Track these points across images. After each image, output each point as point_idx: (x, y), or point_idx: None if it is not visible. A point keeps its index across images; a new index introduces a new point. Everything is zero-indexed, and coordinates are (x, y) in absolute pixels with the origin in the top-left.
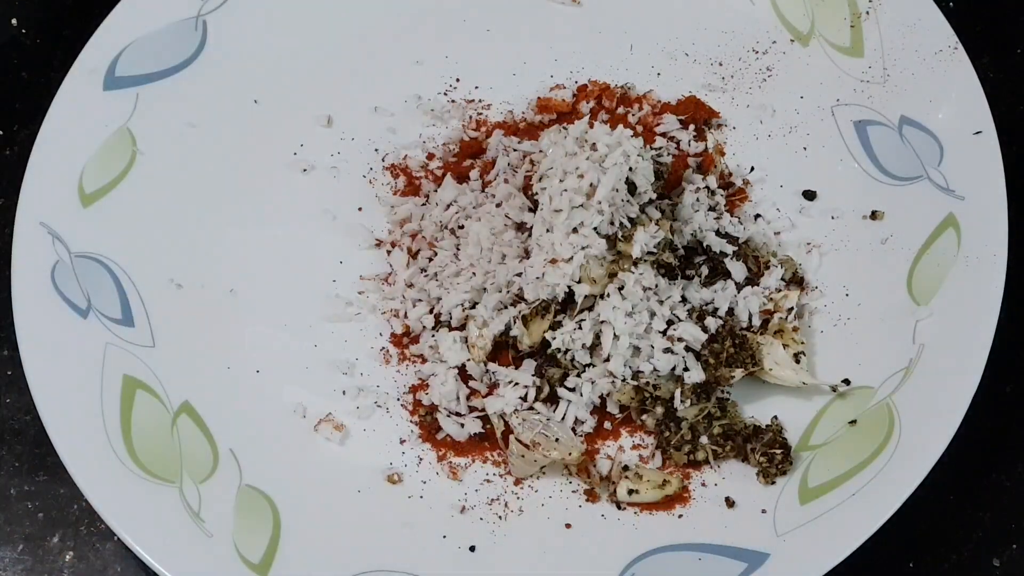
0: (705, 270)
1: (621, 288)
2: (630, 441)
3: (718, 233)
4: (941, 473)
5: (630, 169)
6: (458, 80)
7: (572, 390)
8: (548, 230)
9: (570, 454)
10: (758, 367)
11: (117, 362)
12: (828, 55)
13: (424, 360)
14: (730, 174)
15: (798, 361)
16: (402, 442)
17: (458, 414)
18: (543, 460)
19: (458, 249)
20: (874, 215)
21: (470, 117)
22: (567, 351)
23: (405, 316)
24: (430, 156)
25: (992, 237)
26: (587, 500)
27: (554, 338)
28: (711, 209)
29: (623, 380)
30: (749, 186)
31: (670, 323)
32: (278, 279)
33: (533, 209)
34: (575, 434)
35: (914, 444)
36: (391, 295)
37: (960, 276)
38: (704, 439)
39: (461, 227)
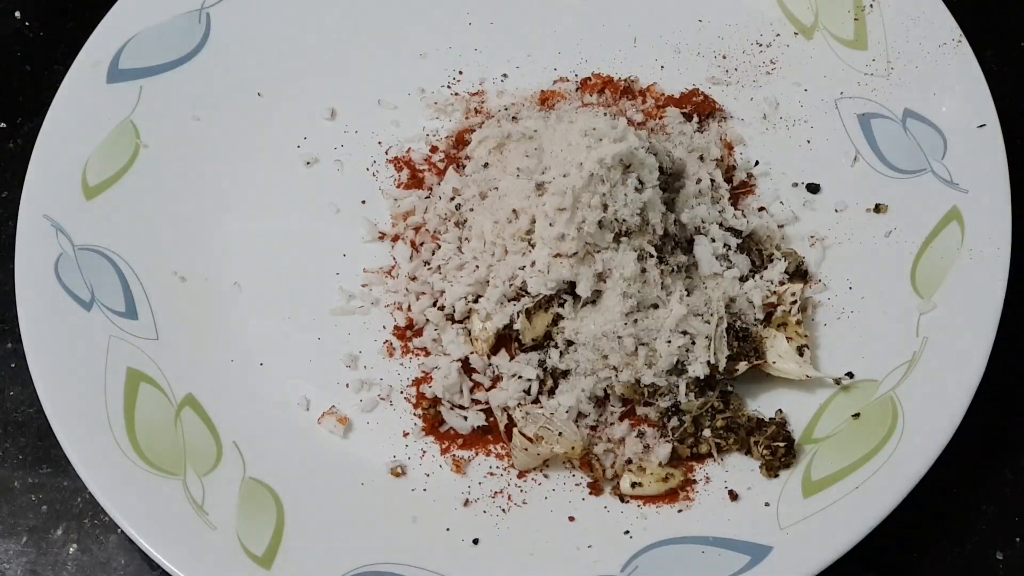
0: None
1: (625, 281)
2: (633, 434)
3: (722, 226)
4: (944, 466)
5: (635, 164)
6: (461, 73)
7: (575, 383)
8: (552, 224)
9: (573, 448)
10: (761, 360)
11: (121, 355)
12: (832, 48)
13: (427, 353)
14: (734, 167)
15: (801, 354)
16: (405, 435)
17: (461, 407)
18: (546, 453)
19: (461, 242)
20: (878, 208)
21: (473, 110)
22: (570, 344)
23: (408, 309)
24: (433, 149)
25: (996, 230)
26: (590, 493)
27: (558, 331)
28: (715, 202)
29: (626, 373)
30: (753, 179)
31: (674, 316)
32: (281, 272)
33: None
34: (578, 427)
35: (917, 437)
36: (394, 288)
37: (963, 269)
38: (707, 432)
39: (465, 221)
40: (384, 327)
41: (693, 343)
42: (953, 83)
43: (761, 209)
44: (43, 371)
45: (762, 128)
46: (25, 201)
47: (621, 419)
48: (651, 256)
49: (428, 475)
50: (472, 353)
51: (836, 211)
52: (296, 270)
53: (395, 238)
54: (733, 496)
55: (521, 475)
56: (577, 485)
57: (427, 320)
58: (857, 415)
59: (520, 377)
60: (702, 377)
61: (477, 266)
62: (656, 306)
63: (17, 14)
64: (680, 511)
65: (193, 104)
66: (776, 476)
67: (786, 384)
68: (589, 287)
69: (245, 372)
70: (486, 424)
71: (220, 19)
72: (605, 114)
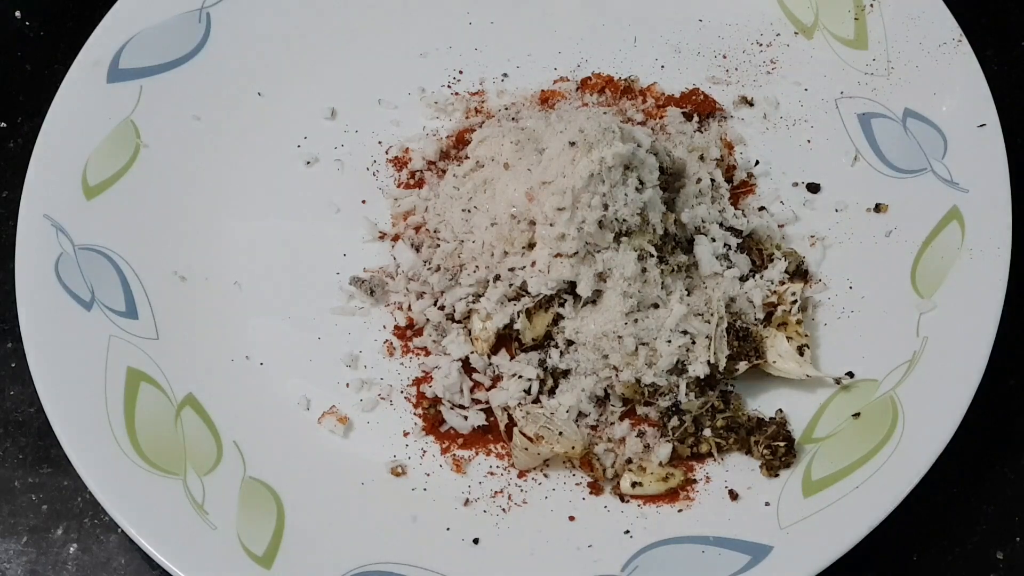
0: None
1: (625, 280)
2: (634, 434)
3: (722, 226)
4: (945, 466)
5: (635, 164)
6: (461, 72)
7: (575, 383)
8: (552, 224)
9: (573, 447)
10: (762, 360)
11: (121, 354)
12: (832, 47)
13: (428, 353)
14: (734, 167)
15: (802, 354)
16: (406, 435)
17: (461, 407)
18: (547, 453)
19: (462, 242)
20: (878, 208)
21: (473, 109)
22: (570, 344)
23: (408, 309)
24: (443, 157)
25: (996, 230)
26: (590, 492)
27: (558, 331)
28: (715, 202)
29: (627, 372)
30: (753, 179)
31: (675, 315)
32: (282, 272)
33: None
34: (578, 427)
35: (918, 437)
36: (395, 288)
37: (964, 269)
38: (708, 432)
39: (465, 220)
40: (384, 327)
41: (693, 343)
42: (953, 83)
43: (761, 209)
44: (43, 371)
45: (762, 128)
46: (25, 201)
47: (621, 419)
48: (651, 256)
49: (428, 475)
50: (472, 353)
51: (836, 211)
52: (296, 270)
53: (395, 238)
54: (733, 496)
55: (521, 475)
56: (577, 485)
57: (427, 320)
58: (857, 415)
59: (520, 377)
60: (702, 377)
61: (477, 266)
62: (656, 306)
63: (17, 14)
64: (680, 511)
65: (193, 104)
66: (776, 476)
67: (786, 384)
68: (589, 287)
69: (245, 372)
70: (486, 424)
71: (220, 19)
72: (605, 113)
